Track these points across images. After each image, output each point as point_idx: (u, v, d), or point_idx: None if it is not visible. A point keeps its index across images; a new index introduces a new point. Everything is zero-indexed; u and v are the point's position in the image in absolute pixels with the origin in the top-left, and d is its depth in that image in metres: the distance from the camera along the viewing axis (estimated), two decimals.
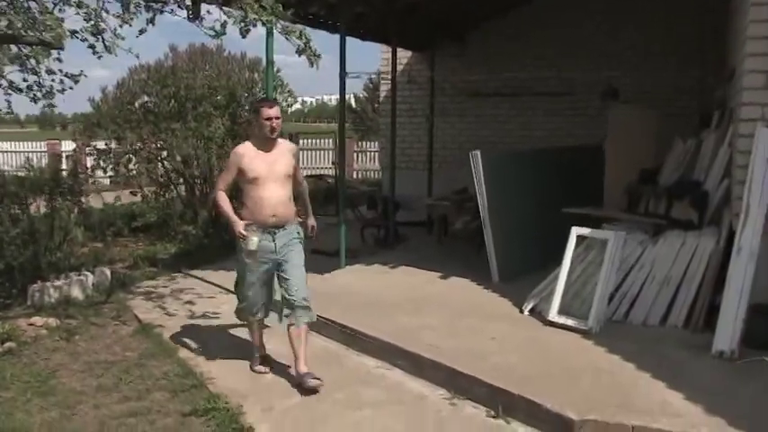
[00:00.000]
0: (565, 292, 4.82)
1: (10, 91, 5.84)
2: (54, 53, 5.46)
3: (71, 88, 6.01)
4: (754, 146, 4.32)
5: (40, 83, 5.79)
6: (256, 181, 4.02)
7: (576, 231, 4.92)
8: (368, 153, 18.43)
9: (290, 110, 9.94)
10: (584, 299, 4.79)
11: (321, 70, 5.07)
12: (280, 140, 4.21)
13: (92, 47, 5.11)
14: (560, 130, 9.02)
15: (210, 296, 6.20)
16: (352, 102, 29.37)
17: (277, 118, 4.06)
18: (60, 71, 5.70)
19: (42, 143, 18.06)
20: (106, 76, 17.24)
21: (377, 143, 16.13)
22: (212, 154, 8.03)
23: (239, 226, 3.99)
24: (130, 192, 8.92)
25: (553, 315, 4.74)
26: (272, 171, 4.04)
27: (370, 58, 12.75)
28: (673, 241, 4.77)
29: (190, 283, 6.67)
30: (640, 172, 5.81)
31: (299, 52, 4.81)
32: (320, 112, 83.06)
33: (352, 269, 6.69)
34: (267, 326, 4.49)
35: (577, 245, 4.96)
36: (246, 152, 4.09)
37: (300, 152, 12.62)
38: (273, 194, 4.03)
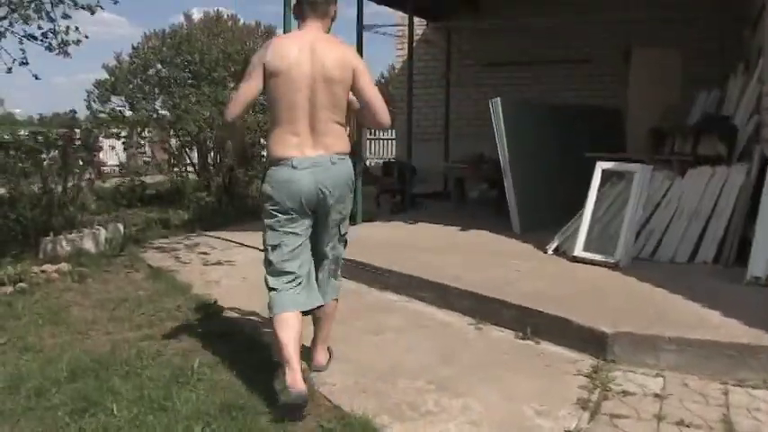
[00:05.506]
0: (590, 229, 4.67)
1: (24, 39, 5.82)
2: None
3: (86, 36, 5.99)
4: None
5: (54, 30, 5.76)
6: None
7: (601, 165, 4.76)
8: (381, 141, 18.23)
9: None
10: (610, 236, 4.63)
11: None
12: None
13: None
14: (578, 98, 8.86)
15: (225, 248, 6.09)
16: None
17: None
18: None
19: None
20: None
21: (393, 131, 15.87)
22: None
23: None
24: (143, 161, 8.84)
25: (578, 251, 4.59)
26: None
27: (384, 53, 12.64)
28: (701, 175, 4.61)
29: (204, 240, 6.57)
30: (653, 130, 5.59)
31: None
32: None
33: (370, 224, 6.56)
34: None
35: (603, 182, 4.81)
36: None
37: None
38: None
